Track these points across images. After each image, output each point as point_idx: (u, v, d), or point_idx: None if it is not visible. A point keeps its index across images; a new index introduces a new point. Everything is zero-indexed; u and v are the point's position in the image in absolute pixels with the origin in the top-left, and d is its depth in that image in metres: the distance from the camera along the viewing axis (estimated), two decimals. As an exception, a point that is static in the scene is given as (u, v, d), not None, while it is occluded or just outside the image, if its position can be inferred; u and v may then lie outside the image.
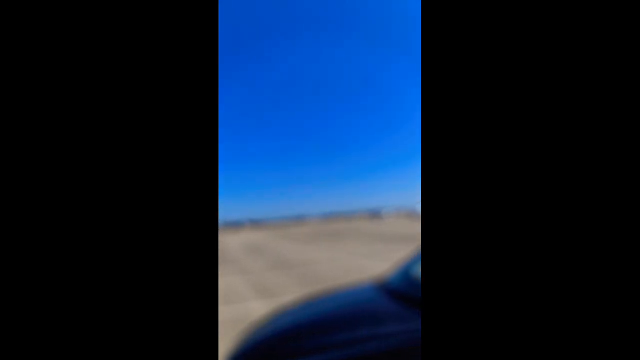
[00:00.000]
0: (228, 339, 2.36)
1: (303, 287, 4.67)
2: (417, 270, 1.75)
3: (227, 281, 5.75)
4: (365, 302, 1.54)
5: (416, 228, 15.59)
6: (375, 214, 51.73)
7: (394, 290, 1.56)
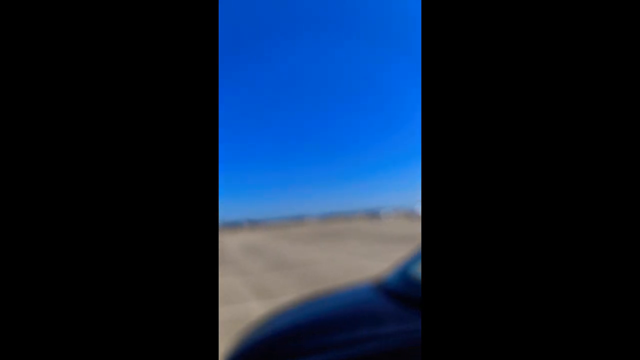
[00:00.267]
0: (227, 339, 2.35)
1: (302, 288, 4.67)
2: (415, 270, 1.75)
3: (226, 282, 5.74)
4: (363, 302, 1.54)
5: (415, 228, 15.61)
6: (373, 214, 51.74)
7: (392, 290, 1.56)
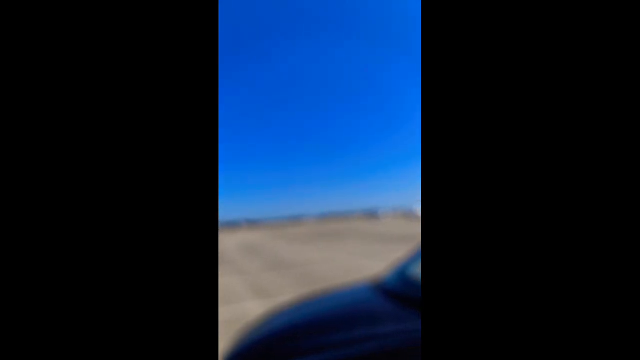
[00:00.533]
0: (225, 339, 2.35)
1: (301, 288, 4.67)
2: (413, 270, 1.75)
3: (224, 281, 5.73)
4: (361, 302, 1.54)
5: (413, 228, 15.63)
6: (372, 214, 51.80)
7: (390, 290, 1.57)
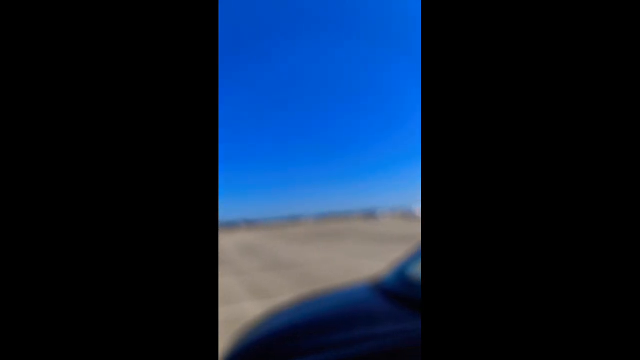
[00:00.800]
0: (224, 340, 2.35)
1: (299, 288, 4.66)
2: (412, 270, 1.76)
3: (222, 282, 5.72)
4: (360, 302, 1.55)
5: (411, 228, 15.65)
6: (370, 215, 51.83)
7: (389, 290, 1.57)
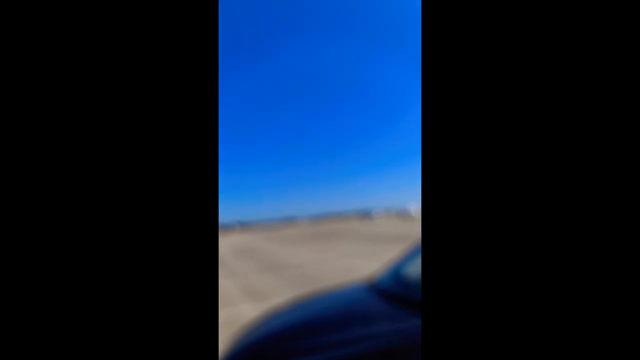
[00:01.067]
0: (220, 342, 2.33)
1: (294, 289, 4.65)
2: (407, 270, 1.76)
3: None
4: (356, 302, 1.55)
5: (407, 228, 15.72)
6: (366, 215, 51.97)
7: (384, 290, 1.57)
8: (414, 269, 1.78)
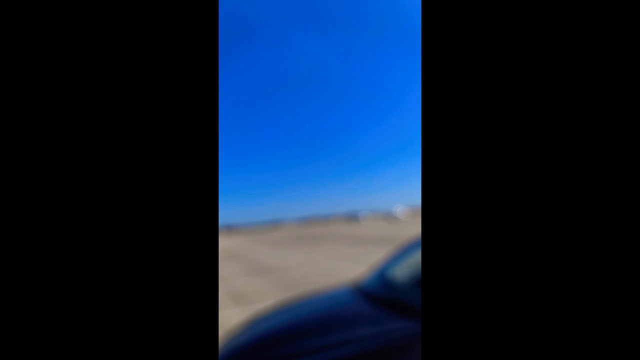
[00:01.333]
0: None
1: (281, 293, 4.61)
2: (392, 273, 1.77)
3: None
4: (341, 305, 1.54)
5: (394, 230, 15.88)
6: (352, 217, 52.24)
7: (369, 293, 1.58)
8: (400, 271, 1.79)
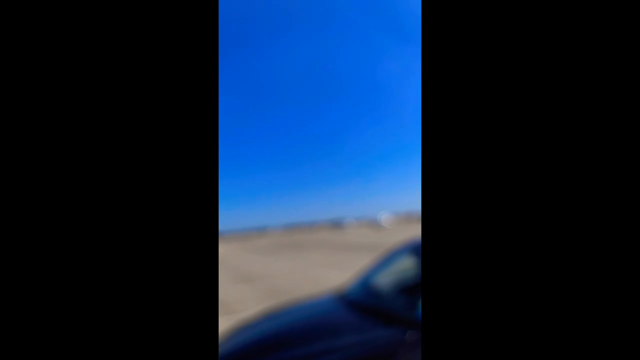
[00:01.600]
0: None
1: (265, 301, 4.56)
2: (376, 281, 1.80)
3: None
4: (324, 314, 1.55)
5: (378, 237, 15.96)
6: (337, 224, 52.19)
7: (353, 301, 1.59)
8: (383, 279, 1.82)
